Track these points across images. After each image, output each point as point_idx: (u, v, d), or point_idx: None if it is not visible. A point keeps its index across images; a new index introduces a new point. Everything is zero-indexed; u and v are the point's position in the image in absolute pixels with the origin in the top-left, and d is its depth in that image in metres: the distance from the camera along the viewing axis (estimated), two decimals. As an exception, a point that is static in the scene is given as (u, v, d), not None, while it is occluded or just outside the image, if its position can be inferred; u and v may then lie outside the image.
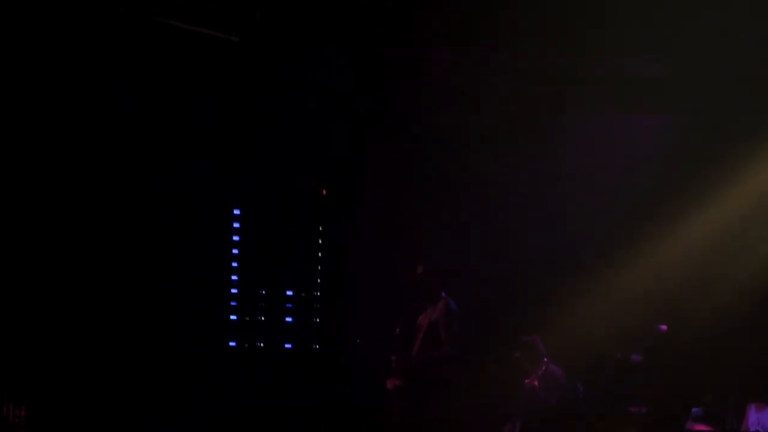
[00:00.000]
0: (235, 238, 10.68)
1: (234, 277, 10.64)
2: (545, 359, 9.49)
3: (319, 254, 10.89)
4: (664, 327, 9.75)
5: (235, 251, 10.67)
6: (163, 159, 10.16)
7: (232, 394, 10.28)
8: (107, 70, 9.65)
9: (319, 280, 10.86)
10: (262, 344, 10.64)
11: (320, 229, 10.90)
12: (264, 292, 10.70)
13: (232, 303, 10.62)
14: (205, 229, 10.47)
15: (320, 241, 10.90)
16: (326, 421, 10.26)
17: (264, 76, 10.07)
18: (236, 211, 10.70)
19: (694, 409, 9.49)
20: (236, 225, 10.70)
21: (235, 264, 10.66)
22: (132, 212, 10.06)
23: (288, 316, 10.73)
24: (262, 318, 10.67)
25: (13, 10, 9.01)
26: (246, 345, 10.61)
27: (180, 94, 10.06)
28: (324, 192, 10.67)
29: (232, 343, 10.58)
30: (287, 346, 10.69)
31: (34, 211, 9.63)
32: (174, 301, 10.18)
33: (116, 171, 9.93)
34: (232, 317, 10.61)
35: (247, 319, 10.64)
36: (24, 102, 9.48)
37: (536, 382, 9.44)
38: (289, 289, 10.77)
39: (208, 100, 10.20)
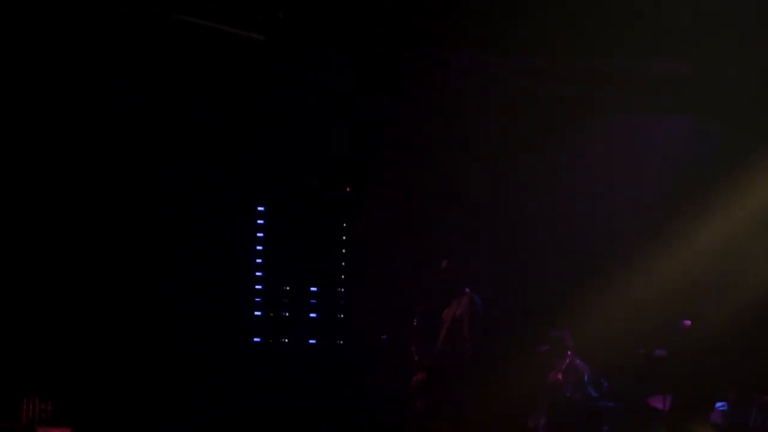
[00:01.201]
0: (260, 234, 10.75)
1: (258, 274, 10.71)
2: (569, 353, 9.52)
3: (343, 251, 10.93)
4: (687, 322, 9.74)
5: (259, 248, 10.74)
6: (181, 158, 10.23)
7: (256, 390, 10.34)
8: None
9: (343, 276, 10.89)
10: (286, 340, 10.71)
11: (344, 225, 10.93)
12: (288, 288, 10.76)
13: (257, 299, 10.69)
14: (230, 226, 10.54)
15: (344, 238, 10.93)
16: (350, 415, 10.30)
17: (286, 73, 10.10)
18: (260, 208, 10.77)
19: (717, 404, 9.48)
20: (260, 222, 10.76)
21: (259, 261, 10.73)
22: (154, 211, 10.15)
23: (312, 312, 10.79)
24: (287, 314, 10.73)
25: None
26: (270, 341, 10.68)
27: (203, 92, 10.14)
28: (348, 189, 10.72)
29: (256, 339, 10.66)
30: (311, 341, 10.74)
31: (66, 210, 9.76)
32: (199, 299, 10.26)
33: (130, 169, 10.01)
34: (257, 313, 10.68)
35: (272, 315, 10.70)
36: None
37: (560, 376, 9.47)
38: (313, 286, 10.82)
39: (232, 99, 10.25)
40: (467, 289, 8.87)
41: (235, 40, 9.23)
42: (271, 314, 10.69)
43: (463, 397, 8.73)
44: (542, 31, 9.06)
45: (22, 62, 9.36)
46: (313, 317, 10.78)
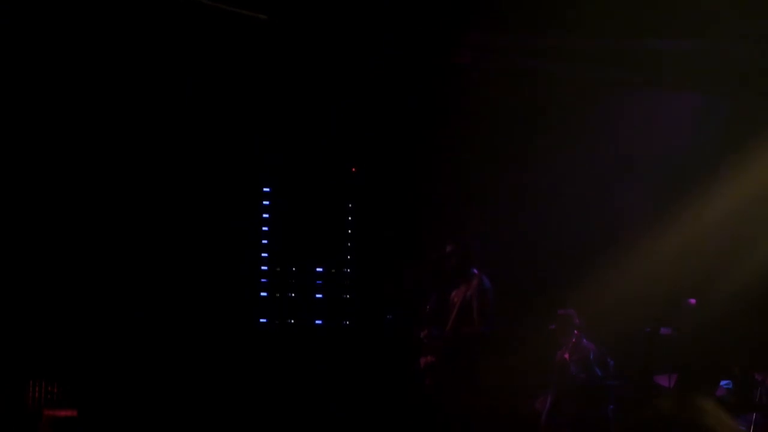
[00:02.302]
0: (265, 215, 10.73)
1: (264, 254, 10.69)
2: (576, 332, 9.54)
3: (349, 231, 10.90)
4: (693, 301, 9.77)
5: (264, 228, 10.71)
6: (190, 138, 10.19)
7: (262, 371, 10.35)
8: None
9: (348, 257, 10.88)
10: (292, 321, 10.70)
11: (350, 206, 10.90)
12: (294, 269, 10.75)
13: (263, 280, 10.68)
14: (235, 207, 10.51)
15: (350, 219, 10.91)
16: (359, 397, 10.33)
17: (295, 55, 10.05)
18: (266, 189, 10.74)
19: (722, 382, 9.53)
20: (266, 203, 10.73)
21: (265, 241, 10.70)
22: (158, 192, 10.11)
23: (318, 292, 10.78)
24: (293, 295, 10.72)
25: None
26: (276, 322, 10.67)
27: (213, 74, 10.08)
28: (354, 170, 10.70)
29: (262, 320, 10.66)
30: (317, 322, 10.75)
31: (76, 195, 9.74)
32: (204, 280, 10.25)
33: (132, 150, 9.97)
34: (263, 294, 10.67)
35: (278, 295, 10.69)
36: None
37: (567, 355, 9.50)
38: (319, 266, 10.80)
39: (238, 80, 10.20)
40: (476, 270, 8.85)
41: (239, 19, 9.18)
42: (277, 295, 10.68)
43: (472, 377, 8.73)
44: (549, 9, 9.03)
45: (30, 50, 9.34)
46: (319, 298, 10.76)
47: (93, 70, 9.72)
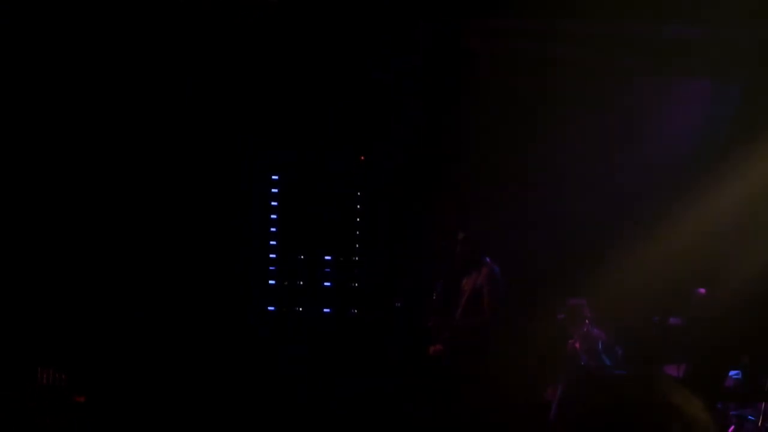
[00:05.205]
0: (273, 203, 10.70)
1: (272, 242, 10.67)
2: (586, 320, 9.53)
3: (358, 219, 10.88)
4: (702, 290, 9.75)
5: (273, 216, 10.69)
6: (197, 127, 10.15)
7: (271, 359, 10.33)
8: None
9: (357, 245, 10.86)
10: (300, 309, 10.69)
11: (358, 194, 10.87)
12: (302, 257, 10.73)
13: (271, 268, 10.66)
14: (244, 195, 10.48)
15: (358, 207, 10.88)
16: (367, 385, 10.31)
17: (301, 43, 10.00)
18: (274, 177, 10.71)
19: (731, 372, 9.51)
20: (274, 191, 10.71)
21: (273, 229, 10.68)
22: (167, 182, 10.08)
23: (326, 280, 10.77)
24: (301, 283, 10.70)
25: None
26: (284, 310, 10.66)
27: (219, 63, 10.03)
28: (362, 158, 10.66)
29: (270, 308, 10.65)
30: (326, 310, 10.74)
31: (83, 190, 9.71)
32: (213, 268, 10.22)
33: (140, 142, 9.94)
34: (271, 282, 10.66)
35: (286, 283, 10.67)
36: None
37: (578, 345, 9.48)
38: (328, 254, 10.79)
39: (248, 67, 10.15)
40: (488, 259, 8.84)
41: (248, 3, 9.15)
42: (286, 283, 10.66)
43: (481, 367, 8.72)
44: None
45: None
46: (327, 286, 10.75)
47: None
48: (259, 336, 10.43)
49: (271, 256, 10.66)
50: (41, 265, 9.61)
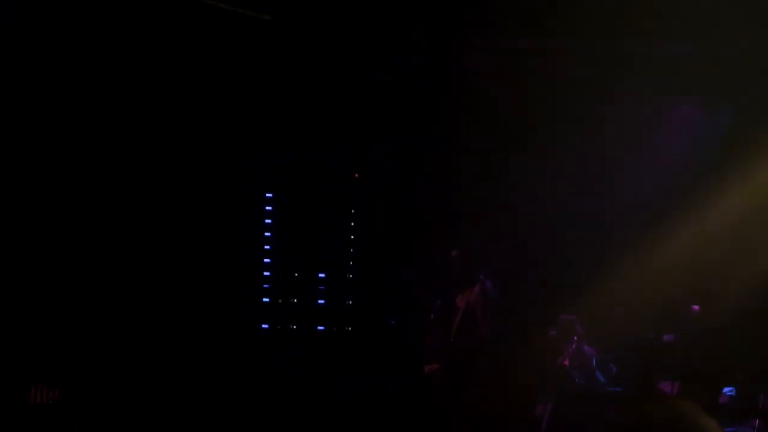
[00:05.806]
0: (268, 221, 10.70)
1: (266, 260, 10.67)
2: (575, 338, 9.53)
3: (352, 236, 10.88)
4: (696, 307, 9.78)
5: (267, 234, 10.69)
6: (191, 142, 10.15)
7: (265, 376, 10.32)
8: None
9: (351, 262, 10.86)
10: (294, 327, 10.68)
11: (352, 211, 10.88)
12: (297, 274, 10.72)
13: (265, 285, 10.65)
14: (237, 212, 10.48)
15: (353, 224, 10.89)
16: (360, 403, 10.30)
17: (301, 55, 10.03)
18: (268, 194, 10.71)
19: (725, 389, 9.53)
20: (268, 208, 10.71)
21: (267, 247, 10.68)
22: (162, 197, 10.07)
23: (321, 298, 10.75)
24: (295, 300, 10.70)
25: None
26: (278, 327, 10.65)
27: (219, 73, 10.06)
28: (357, 175, 10.68)
29: (264, 326, 10.63)
30: (320, 328, 10.72)
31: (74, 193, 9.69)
32: (207, 285, 10.21)
33: (142, 153, 9.94)
34: (265, 300, 10.65)
35: (280, 301, 10.67)
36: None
37: (567, 361, 9.49)
38: (322, 272, 10.78)
39: (240, 83, 10.18)
40: (481, 276, 8.87)
41: (242, 20, 9.17)
42: (280, 301, 10.65)
43: (475, 383, 8.73)
44: (553, 12, 9.06)
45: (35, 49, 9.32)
46: (321, 304, 10.74)
47: (93, 71, 9.68)
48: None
49: (265, 273, 10.66)
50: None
